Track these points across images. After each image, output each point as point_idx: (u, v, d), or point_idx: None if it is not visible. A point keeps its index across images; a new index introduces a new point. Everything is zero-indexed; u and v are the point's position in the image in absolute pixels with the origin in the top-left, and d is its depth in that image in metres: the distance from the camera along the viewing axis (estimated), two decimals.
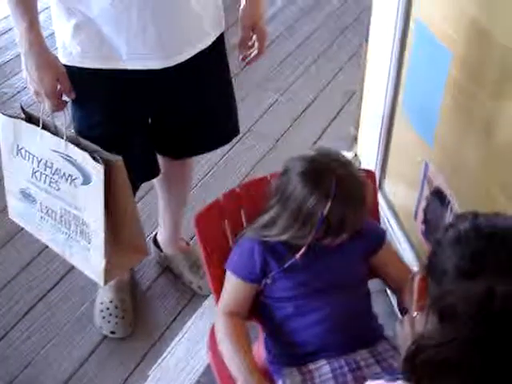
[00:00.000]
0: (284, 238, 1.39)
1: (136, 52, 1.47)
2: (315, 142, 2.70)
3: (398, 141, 1.84)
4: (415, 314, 1.00)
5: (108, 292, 2.04)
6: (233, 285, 1.45)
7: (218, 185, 2.53)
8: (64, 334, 2.00)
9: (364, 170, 1.61)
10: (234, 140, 2.49)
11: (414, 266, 1.59)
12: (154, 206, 2.20)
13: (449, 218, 1.53)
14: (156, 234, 2.21)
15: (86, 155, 1.48)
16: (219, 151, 2.31)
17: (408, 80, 1.67)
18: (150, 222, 2.29)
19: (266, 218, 1.43)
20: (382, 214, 1.91)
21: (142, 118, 1.65)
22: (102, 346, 1.97)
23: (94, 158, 1.47)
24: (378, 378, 1.03)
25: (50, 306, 2.08)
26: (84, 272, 1.65)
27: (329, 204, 1.32)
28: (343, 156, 1.42)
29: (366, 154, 2.10)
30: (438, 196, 1.58)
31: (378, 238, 1.50)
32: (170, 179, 1.99)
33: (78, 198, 1.56)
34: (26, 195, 1.71)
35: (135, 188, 1.76)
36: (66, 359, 1.94)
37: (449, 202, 1.54)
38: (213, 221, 1.53)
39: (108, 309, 2.01)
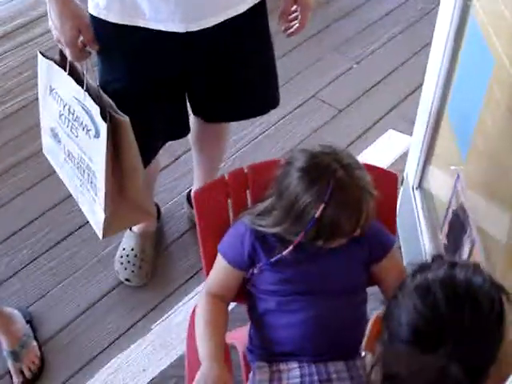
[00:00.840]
0: (276, 230, 1.32)
1: (158, 12, 1.41)
2: (380, 119, 2.54)
3: (442, 144, 1.68)
4: (363, 353, 0.93)
5: (131, 239, 2.07)
6: (220, 267, 1.40)
7: (270, 146, 2.46)
8: (83, 273, 2.06)
9: (386, 170, 1.48)
10: (295, 104, 2.42)
11: None
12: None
13: (466, 239, 1.39)
14: (190, 191, 2.20)
15: (98, 110, 1.46)
16: (275, 113, 2.23)
17: (457, 83, 1.49)
18: (187, 180, 2.29)
19: (262, 206, 1.36)
20: (415, 216, 1.77)
21: (168, 77, 1.60)
22: (116, 291, 2.02)
23: (103, 114, 1.45)
24: None
25: (77, 242, 2.14)
26: (90, 222, 1.67)
27: (322, 206, 1.23)
28: (350, 157, 1.30)
29: (415, 141, 1.93)
30: (462, 211, 1.43)
31: (383, 246, 1.39)
32: (201, 140, 1.95)
33: (90, 149, 1.56)
34: (54, 134, 1.73)
35: (159, 145, 1.74)
36: (78, 298, 2.00)
37: (467, 217, 1.40)
38: (214, 197, 1.48)
39: (128, 256, 2.04)
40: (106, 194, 1.53)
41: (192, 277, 2.05)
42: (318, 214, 1.23)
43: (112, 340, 1.90)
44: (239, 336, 1.57)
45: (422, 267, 0.96)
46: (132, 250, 2.04)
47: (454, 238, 1.47)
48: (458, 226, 1.45)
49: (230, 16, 1.47)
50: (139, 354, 1.87)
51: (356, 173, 1.27)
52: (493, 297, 0.88)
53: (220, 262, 1.40)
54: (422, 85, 2.69)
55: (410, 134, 2.40)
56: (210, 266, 1.45)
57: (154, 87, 1.58)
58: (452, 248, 1.49)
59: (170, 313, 1.96)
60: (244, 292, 1.43)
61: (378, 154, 2.39)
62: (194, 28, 1.47)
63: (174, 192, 2.30)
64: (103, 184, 1.52)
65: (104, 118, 1.44)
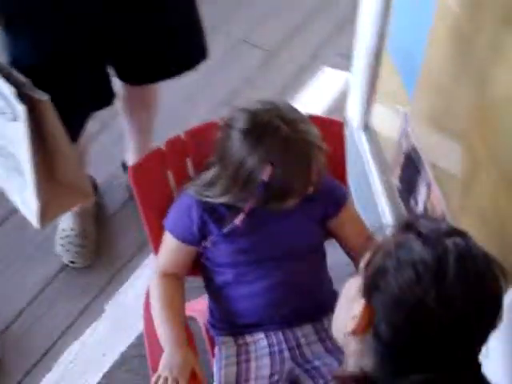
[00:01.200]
0: (224, 200, 1.23)
1: None
2: (313, 56, 2.43)
3: (385, 82, 1.60)
4: (349, 330, 0.86)
5: (70, 219, 1.93)
6: (169, 244, 1.31)
7: (202, 98, 2.32)
8: (24, 260, 1.92)
9: (330, 119, 1.40)
10: (222, 50, 2.28)
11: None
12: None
13: (421, 181, 1.34)
14: (125, 157, 2.06)
15: (13, 90, 1.31)
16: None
17: (396, 18, 1.40)
18: (121, 148, 2.14)
19: (206, 176, 1.26)
20: (364, 160, 1.71)
21: (83, 42, 1.44)
22: (61, 275, 1.90)
23: (20, 96, 1.30)
24: None
25: (9, 231, 1.99)
26: (22, 212, 1.53)
27: (269, 168, 1.14)
28: (294, 110, 1.21)
29: (355, 81, 1.85)
30: (414, 154, 1.37)
31: (337, 200, 1.32)
32: (130, 105, 1.81)
33: (10, 134, 1.41)
34: None
35: (85, 117, 1.60)
36: (23, 289, 1.87)
37: (419, 158, 1.34)
38: (152, 171, 1.37)
39: (68, 237, 1.91)
40: (35, 180, 1.40)
41: (139, 250, 1.94)
42: (266, 177, 1.15)
43: (65, 327, 1.79)
44: (199, 308, 1.50)
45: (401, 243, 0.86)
46: (72, 230, 1.91)
47: (408, 181, 1.42)
48: (411, 167, 1.39)
49: None
50: (96, 338, 1.78)
51: (301, 127, 1.18)
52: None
53: (169, 240, 1.31)
54: (352, 16, 2.60)
55: (346, 69, 2.33)
56: (157, 243, 1.36)
57: (70, 56, 1.43)
58: (406, 191, 1.44)
59: (121, 291, 1.87)
60: (199, 265, 1.36)
61: (315, 94, 2.31)
62: None
63: (107, 161, 2.15)
64: (30, 170, 1.39)
65: (21, 99, 1.30)
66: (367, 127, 1.76)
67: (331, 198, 1.31)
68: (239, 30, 2.55)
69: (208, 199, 1.25)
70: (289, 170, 1.16)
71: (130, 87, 1.70)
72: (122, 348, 1.75)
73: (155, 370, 1.23)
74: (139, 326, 1.77)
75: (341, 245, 1.37)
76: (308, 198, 1.26)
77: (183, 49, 1.61)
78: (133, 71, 1.64)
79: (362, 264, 0.89)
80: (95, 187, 2.03)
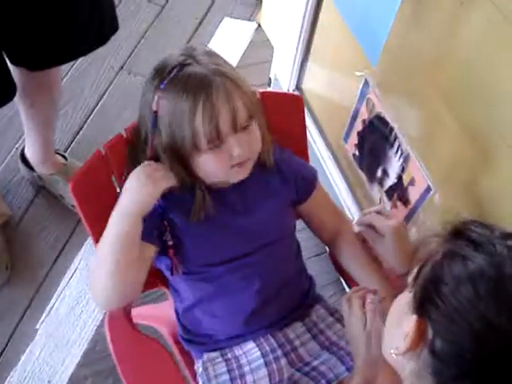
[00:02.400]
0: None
1: None
2: (210, 6, 2.22)
3: (326, 35, 1.46)
4: (403, 349, 0.77)
5: None
6: None
7: (99, 65, 2.06)
8: None
9: (288, 94, 1.26)
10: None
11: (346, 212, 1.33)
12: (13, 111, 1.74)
13: (390, 148, 1.25)
14: (23, 149, 1.78)
15: None
16: None
17: None
18: (10, 135, 1.85)
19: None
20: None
21: None
22: None
23: None
24: None
25: None
26: None
27: (157, 96, 1.01)
28: (211, 52, 1.07)
29: (275, 29, 1.68)
30: (380, 121, 1.27)
31: (308, 181, 1.20)
32: (30, 93, 1.53)
33: None
34: None
35: None
36: None
37: (391, 129, 1.25)
38: (96, 181, 1.16)
39: None
40: None
41: (61, 252, 1.72)
42: (155, 106, 1.01)
43: None
44: (158, 315, 1.35)
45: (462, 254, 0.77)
46: None
47: (373, 151, 1.32)
48: (376, 137, 1.30)
49: None
50: (36, 363, 1.55)
51: (201, 58, 1.02)
52: None
53: None
54: None
55: (249, 18, 2.16)
56: None
57: None
58: (372, 162, 1.35)
59: (52, 303, 1.64)
60: (164, 278, 1.19)
61: (221, 48, 2.11)
62: None
63: None
64: None
65: None
66: (299, 88, 1.63)
67: (302, 180, 1.19)
68: None
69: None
70: (179, 102, 0.99)
71: (29, 73, 1.42)
72: (70, 370, 1.54)
73: None
74: (82, 342, 1.59)
75: (312, 227, 1.27)
76: (275, 182, 1.15)
77: (90, 23, 1.37)
78: (29, 54, 1.36)
79: (410, 278, 0.80)
80: None
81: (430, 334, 0.74)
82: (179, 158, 1.05)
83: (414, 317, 0.75)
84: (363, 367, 1.02)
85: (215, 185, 1.11)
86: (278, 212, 1.17)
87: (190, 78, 0.99)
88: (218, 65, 1.02)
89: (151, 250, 1.11)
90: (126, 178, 1.10)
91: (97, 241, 1.16)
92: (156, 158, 1.07)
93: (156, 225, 1.09)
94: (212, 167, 1.05)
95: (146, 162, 1.03)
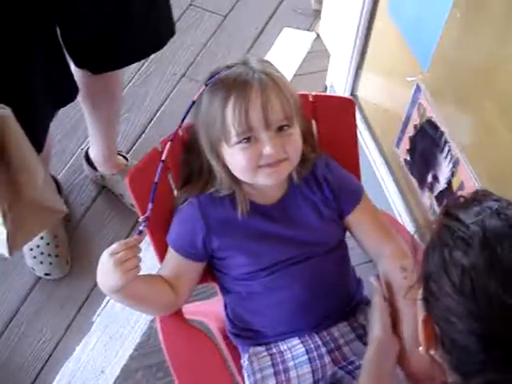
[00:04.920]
0: (226, 180, 1.10)
1: None
2: (270, 17, 2.28)
3: (380, 42, 1.48)
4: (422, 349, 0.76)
5: None
6: (173, 260, 1.16)
7: (161, 73, 2.15)
8: None
9: (340, 97, 1.29)
10: (174, 18, 2.11)
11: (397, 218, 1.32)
12: (79, 115, 1.84)
13: (443, 158, 1.25)
14: (88, 150, 1.87)
15: None
16: None
17: None
18: (76, 135, 1.95)
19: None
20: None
21: (42, 34, 1.24)
22: (36, 290, 1.72)
23: None
24: None
25: None
26: None
27: (202, 89, 1.05)
28: (264, 61, 1.09)
29: (332, 38, 1.72)
30: (430, 126, 1.28)
31: (351, 195, 1.19)
32: (93, 95, 1.61)
33: None
34: None
35: (49, 120, 1.40)
36: None
37: (442, 133, 1.26)
38: (152, 177, 1.20)
39: (39, 247, 1.72)
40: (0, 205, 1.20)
41: None
42: (195, 97, 1.06)
43: (52, 348, 1.63)
44: (208, 310, 1.39)
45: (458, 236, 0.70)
46: (42, 238, 1.72)
47: (424, 156, 1.33)
48: (427, 142, 1.30)
49: None
50: (90, 354, 1.62)
51: (252, 62, 1.05)
52: None
53: (171, 254, 1.17)
54: None
55: (308, 29, 2.20)
56: (162, 255, 1.21)
57: (25, 52, 1.22)
58: (422, 166, 1.35)
59: (108, 298, 1.70)
60: (211, 272, 1.23)
61: (280, 57, 2.16)
62: None
63: (64, 156, 1.96)
64: None
65: None
66: (354, 95, 1.65)
67: (345, 193, 1.18)
68: None
69: (211, 191, 1.12)
70: (216, 93, 1.03)
71: (92, 76, 1.51)
72: (122, 362, 1.60)
73: None
74: (136, 335, 1.65)
75: (358, 242, 1.23)
76: (318, 194, 1.15)
77: (150, 30, 1.44)
78: (91, 58, 1.44)
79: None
80: (59, 186, 1.84)
81: (437, 330, 0.72)
82: (218, 155, 1.08)
83: (423, 314, 0.73)
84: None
85: (256, 197, 1.13)
86: (319, 224, 1.16)
87: (231, 73, 1.03)
88: (264, 67, 1.05)
89: (199, 265, 1.17)
90: (181, 180, 1.16)
91: (150, 231, 1.23)
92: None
93: (198, 243, 1.13)
94: (239, 163, 1.05)
95: (114, 247, 1.01)
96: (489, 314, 0.65)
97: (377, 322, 1.04)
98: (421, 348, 0.76)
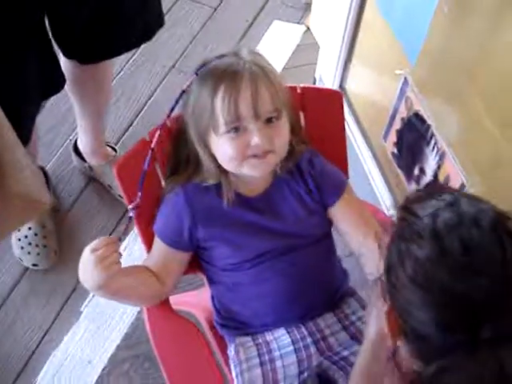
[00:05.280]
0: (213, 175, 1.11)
1: None
2: (261, 10, 2.28)
3: (368, 35, 1.48)
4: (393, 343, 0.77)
5: None
6: (159, 250, 1.17)
7: (150, 64, 2.14)
8: None
9: (327, 89, 1.29)
10: (164, 10, 2.12)
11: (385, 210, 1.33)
12: (68, 105, 1.83)
13: (429, 150, 1.26)
14: (76, 141, 1.87)
15: None
16: None
17: None
18: (64, 126, 1.94)
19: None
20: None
21: (32, 24, 1.24)
22: (24, 281, 1.72)
23: None
24: None
25: None
26: None
27: (192, 78, 1.06)
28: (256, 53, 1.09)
29: (322, 31, 1.72)
30: (417, 119, 1.29)
31: (334, 187, 1.18)
32: (81, 85, 1.61)
33: None
34: None
35: (36, 111, 1.40)
36: None
37: (428, 126, 1.27)
38: (140, 167, 1.21)
39: (26, 237, 1.72)
40: None
41: None
42: (185, 86, 1.08)
43: (39, 338, 1.63)
44: (195, 301, 1.40)
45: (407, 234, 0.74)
46: (30, 229, 1.72)
47: (411, 149, 1.34)
48: (413, 135, 1.31)
49: None
50: (77, 344, 1.62)
51: (242, 53, 1.06)
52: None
53: (157, 245, 1.17)
54: None
55: (298, 22, 2.21)
56: (150, 245, 1.22)
57: (16, 44, 1.22)
58: (409, 159, 1.36)
59: None
60: (198, 263, 1.24)
61: (269, 49, 2.16)
62: None
63: (53, 146, 1.95)
64: None
65: None
66: (342, 88, 1.66)
67: (328, 186, 1.18)
68: None
69: (198, 181, 1.13)
70: (205, 82, 1.04)
71: (81, 66, 1.50)
72: (109, 352, 1.61)
73: None
74: (123, 326, 1.66)
75: (341, 234, 1.23)
76: (302, 186, 1.16)
77: (143, 20, 1.44)
78: (80, 48, 1.43)
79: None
80: (47, 178, 1.84)
81: (400, 321, 0.73)
82: (206, 144, 1.08)
83: (387, 306, 0.75)
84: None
85: (241, 188, 1.13)
86: (305, 216, 1.17)
87: (221, 64, 1.04)
88: (255, 58, 1.05)
89: (184, 255, 1.17)
90: (168, 170, 1.16)
91: (137, 220, 1.23)
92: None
93: (184, 232, 1.14)
94: (227, 152, 1.05)
95: (94, 244, 1.00)
96: (443, 303, 0.67)
97: (372, 326, 1.05)
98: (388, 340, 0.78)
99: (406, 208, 0.75)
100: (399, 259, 0.72)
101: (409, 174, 1.38)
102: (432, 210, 0.71)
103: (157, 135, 1.16)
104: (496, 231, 0.69)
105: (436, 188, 0.77)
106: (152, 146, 1.14)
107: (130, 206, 1.10)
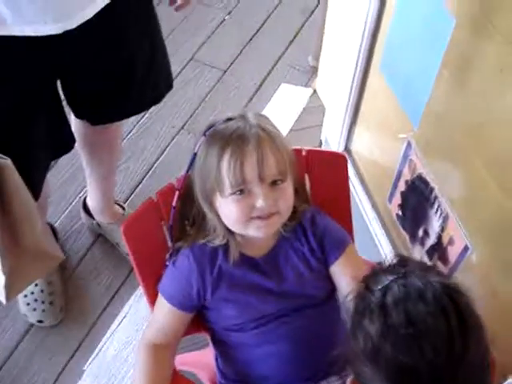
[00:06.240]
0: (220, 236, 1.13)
1: (22, 14, 1.10)
2: (268, 73, 2.34)
3: (373, 99, 1.52)
4: None
5: None
6: (163, 312, 1.18)
7: (159, 126, 2.19)
8: None
9: (331, 152, 1.32)
10: (174, 73, 2.18)
11: None
12: (79, 163, 1.87)
13: (433, 213, 1.28)
14: (85, 198, 1.90)
15: None
16: None
17: (389, 36, 1.33)
18: (75, 184, 1.98)
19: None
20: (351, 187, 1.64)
21: (44, 86, 1.28)
22: (29, 336, 1.71)
23: None
24: None
25: None
26: None
27: (201, 140, 1.09)
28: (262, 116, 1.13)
29: (328, 94, 1.77)
30: (421, 182, 1.31)
31: (335, 246, 1.18)
32: (91, 145, 1.65)
33: None
34: None
35: (46, 168, 1.43)
36: None
37: (432, 189, 1.29)
38: (147, 226, 1.24)
39: (33, 293, 1.72)
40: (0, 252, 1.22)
41: (113, 297, 1.79)
42: (196, 148, 1.10)
43: None
44: (199, 361, 1.39)
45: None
46: (36, 285, 1.72)
47: (415, 211, 1.36)
48: (417, 197, 1.33)
49: (96, 11, 1.19)
50: None
51: (249, 116, 1.09)
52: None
53: (161, 306, 1.18)
54: (302, 27, 2.54)
55: (305, 85, 2.27)
56: (154, 302, 1.22)
57: (27, 104, 1.26)
58: (413, 221, 1.38)
59: (100, 346, 1.70)
60: (202, 322, 1.24)
61: (277, 113, 2.20)
62: (73, 25, 1.17)
63: (62, 203, 1.98)
64: None
65: None
66: (348, 149, 1.69)
67: (329, 244, 1.18)
68: (187, 49, 2.42)
69: (204, 241, 1.15)
70: (213, 145, 1.06)
71: (91, 127, 1.53)
72: None
73: None
74: None
75: (339, 294, 1.20)
76: (305, 245, 1.17)
77: (153, 84, 1.48)
78: (91, 112, 1.47)
79: None
80: (55, 233, 1.86)
81: None
82: (211, 205, 1.10)
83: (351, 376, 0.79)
84: None
85: (246, 248, 1.15)
86: (308, 276, 1.17)
87: (229, 127, 1.07)
88: (261, 122, 1.09)
89: (189, 316, 1.18)
90: (170, 228, 1.18)
91: (144, 280, 1.24)
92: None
93: (193, 294, 1.15)
94: (232, 214, 1.07)
95: None
96: (389, 376, 0.70)
97: None
98: None
99: (364, 282, 0.79)
100: (353, 332, 0.74)
101: (413, 236, 1.39)
102: (383, 285, 0.75)
103: (177, 194, 1.18)
104: (440, 303, 0.71)
105: (394, 260, 0.80)
106: (174, 203, 1.17)
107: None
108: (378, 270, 0.79)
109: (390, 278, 0.75)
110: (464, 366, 0.68)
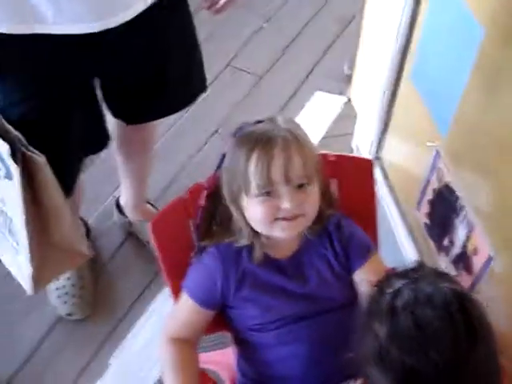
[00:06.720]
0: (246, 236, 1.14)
1: (63, 13, 1.14)
2: (304, 81, 2.36)
3: (404, 108, 1.53)
4: None
5: None
6: (186, 308, 1.19)
7: (193, 129, 2.23)
8: (15, 314, 1.77)
9: (357, 157, 1.33)
10: (210, 77, 2.21)
11: None
12: (114, 163, 1.92)
13: (458, 222, 1.27)
14: (119, 197, 1.94)
15: (6, 148, 1.18)
16: None
17: (420, 46, 1.34)
18: (110, 183, 2.03)
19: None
20: (379, 194, 1.64)
21: (82, 85, 1.33)
22: (57, 328, 1.76)
23: (14, 154, 1.18)
24: None
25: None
26: (15, 277, 1.39)
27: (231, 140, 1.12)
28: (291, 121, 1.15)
29: (362, 103, 1.78)
30: (448, 191, 1.31)
31: (359, 252, 1.19)
32: (127, 145, 1.70)
33: (1, 191, 1.28)
34: None
35: (80, 166, 1.48)
36: (16, 344, 1.72)
37: (458, 198, 1.28)
38: (174, 223, 1.26)
39: (64, 287, 1.77)
40: (29, 244, 1.27)
41: (141, 294, 1.83)
42: (225, 149, 1.12)
43: None
44: (221, 360, 1.40)
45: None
46: (68, 279, 1.77)
47: (441, 220, 1.35)
48: (444, 206, 1.33)
49: (139, 11, 1.23)
50: None
51: (281, 121, 1.10)
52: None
53: (186, 302, 1.20)
54: (338, 36, 2.55)
55: (339, 92, 2.28)
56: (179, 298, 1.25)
57: (64, 102, 1.31)
58: (440, 229, 1.38)
59: (125, 342, 1.74)
60: (224, 321, 1.26)
61: (311, 120, 2.22)
62: (112, 24, 1.21)
63: (98, 201, 2.03)
64: (24, 232, 1.25)
65: (15, 157, 1.18)
66: (379, 157, 1.69)
67: (354, 250, 1.19)
68: (224, 54, 2.46)
69: (230, 240, 1.16)
70: (241, 146, 1.08)
71: (127, 126, 1.59)
72: None
73: None
74: (151, 380, 1.67)
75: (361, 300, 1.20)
76: (330, 250, 1.18)
77: (182, 86, 1.52)
78: (131, 110, 1.52)
79: None
80: (88, 230, 1.91)
81: None
82: (237, 205, 1.12)
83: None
84: None
85: (270, 250, 1.16)
86: (331, 280, 1.18)
87: (257, 129, 1.09)
88: (289, 126, 1.10)
89: (212, 313, 1.20)
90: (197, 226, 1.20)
91: (169, 276, 1.27)
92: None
93: (217, 292, 1.16)
94: (257, 214, 1.09)
95: None
96: (396, 378, 0.70)
97: None
98: None
99: (377, 286, 0.81)
100: (362, 334, 0.76)
101: (439, 245, 1.39)
102: (394, 288, 0.76)
103: (205, 192, 1.20)
104: (448, 309, 0.72)
105: (416, 267, 0.81)
106: (202, 202, 1.19)
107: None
108: (391, 274, 0.81)
109: (402, 282, 0.76)
110: (469, 371, 0.68)
